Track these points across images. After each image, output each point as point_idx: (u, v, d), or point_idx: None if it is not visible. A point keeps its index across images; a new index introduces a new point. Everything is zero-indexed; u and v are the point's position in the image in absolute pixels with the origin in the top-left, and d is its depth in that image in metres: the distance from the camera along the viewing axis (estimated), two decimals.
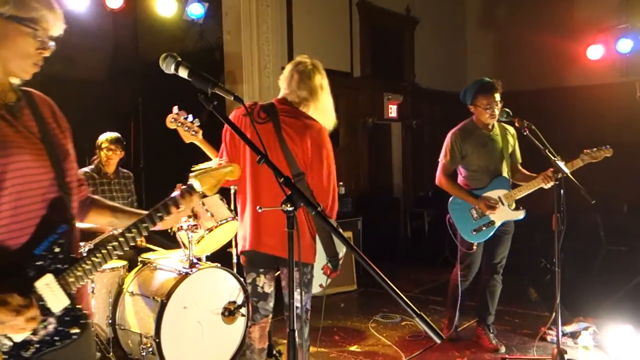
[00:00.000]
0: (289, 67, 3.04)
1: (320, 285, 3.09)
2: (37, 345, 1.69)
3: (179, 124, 3.00)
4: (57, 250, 1.73)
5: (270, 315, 3.19)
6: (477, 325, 4.51)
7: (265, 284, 3.08)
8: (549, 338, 4.41)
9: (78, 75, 8.34)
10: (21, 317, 1.59)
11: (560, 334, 3.84)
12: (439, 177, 4.29)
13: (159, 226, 1.91)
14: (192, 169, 2.01)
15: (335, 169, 3.04)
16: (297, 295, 2.93)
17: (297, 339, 1.62)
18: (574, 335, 4.35)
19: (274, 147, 2.85)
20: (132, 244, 1.82)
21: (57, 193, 1.77)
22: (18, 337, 1.65)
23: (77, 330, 1.76)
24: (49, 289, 1.70)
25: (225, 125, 3.05)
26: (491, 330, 4.40)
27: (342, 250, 3.08)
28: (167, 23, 6.43)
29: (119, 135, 4.73)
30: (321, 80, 3.02)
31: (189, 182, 1.98)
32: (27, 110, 1.80)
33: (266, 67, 6.75)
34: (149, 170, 6.94)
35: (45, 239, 1.72)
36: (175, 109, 3.04)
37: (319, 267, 3.03)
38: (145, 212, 1.89)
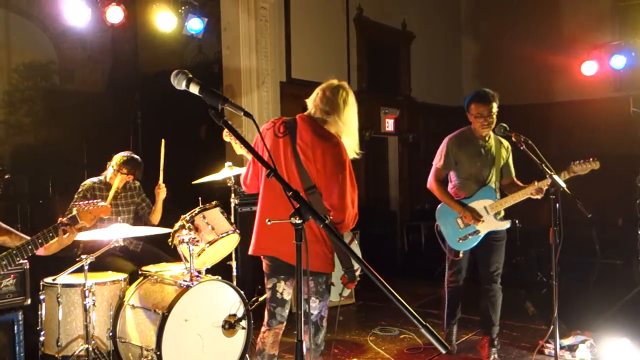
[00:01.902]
0: (322, 88, 3.14)
1: (340, 295, 3.16)
2: None
3: (232, 138, 3.33)
4: None
5: (285, 323, 3.25)
6: (481, 337, 4.47)
7: (285, 291, 3.14)
8: (546, 351, 4.42)
9: (77, 89, 8.40)
10: None
11: (557, 347, 3.86)
12: (431, 181, 4.37)
13: (42, 251, 2.46)
14: (75, 204, 2.89)
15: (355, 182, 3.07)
16: (311, 303, 3.03)
17: (305, 345, 1.66)
18: (571, 349, 4.37)
19: (290, 160, 2.97)
20: (22, 257, 2.35)
21: None
22: None
23: None
24: None
25: (255, 139, 3.23)
26: (495, 344, 4.34)
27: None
28: (167, 38, 6.49)
29: (130, 157, 4.58)
30: (345, 97, 3.10)
31: (72, 215, 2.70)
32: None
33: (264, 82, 6.82)
34: (147, 184, 6.96)
35: None
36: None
37: (339, 277, 3.11)
38: (29, 238, 2.37)
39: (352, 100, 3.13)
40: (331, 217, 2.93)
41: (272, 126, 3.09)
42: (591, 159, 4.02)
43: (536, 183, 4.05)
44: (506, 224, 4.26)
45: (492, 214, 4.21)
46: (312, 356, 3.07)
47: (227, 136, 3.48)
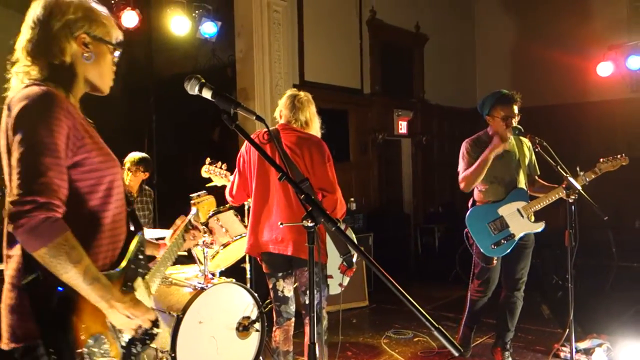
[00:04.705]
0: (289, 99, 3.57)
1: (340, 285, 3.38)
2: (139, 343, 1.82)
3: (212, 172, 3.65)
4: (140, 257, 1.89)
5: (293, 319, 3.50)
6: (494, 341, 4.42)
7: (285, 288, 3.44)
8: (562, 355, 4.39)
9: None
10: (149, 315, 1.73)
11: (573, 350, 3.83)
12: (462, 181, 4.13)
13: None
14: (190, 197, 2.40)
15: (336, 177, 3.44)
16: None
17: (307, 338, 1.71)
18: (587, 352, 4.33)
19: (278, 162, 3.23)
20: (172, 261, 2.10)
21: (129, 205, 1.94)
22: (127, 335, 1.76)
23: (158, 331, 1.89)
24: (141, 291, 1.85)
25: (240, 151, 3.52)
26: (508, 348, 4.29)
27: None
28: (181, 41, 6.54)
29: (143, 156, 4.79)
30: (314, 109, 3.63)
31: (192, 210, 2.31)
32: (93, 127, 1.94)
33: (278, 85, 6.84)
34: (162, 188, 7.01)
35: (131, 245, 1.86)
36: (207, 160, 3.68)
37: (336, 267, 3.37)
38: (160, 242, 2.18)
39: (312, 105, 3.62)
40: (324, 203, 3.27)
41: (256, 137, 3.44)
42: (619, 156, 3.99)
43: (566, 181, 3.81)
44: (541, 226, 4.10)
45: (526, 217, 4.07)
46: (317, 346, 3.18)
47: (206, 172, 3.79)
